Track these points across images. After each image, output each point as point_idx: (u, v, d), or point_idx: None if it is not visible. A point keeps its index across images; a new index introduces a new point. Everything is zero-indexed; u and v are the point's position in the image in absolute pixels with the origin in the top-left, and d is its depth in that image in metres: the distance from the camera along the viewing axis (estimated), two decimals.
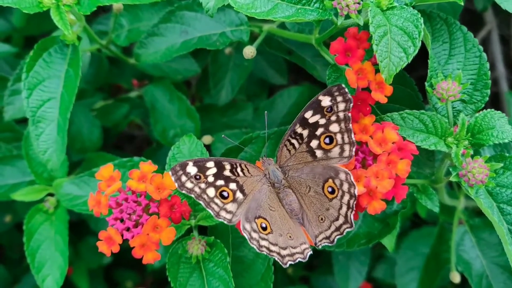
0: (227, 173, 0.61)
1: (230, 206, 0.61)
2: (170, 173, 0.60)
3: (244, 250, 0.73)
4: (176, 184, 0.60)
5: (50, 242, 0.82)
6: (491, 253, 0.88)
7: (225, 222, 0.61)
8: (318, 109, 0.61)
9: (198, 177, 0.60)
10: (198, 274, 0.68)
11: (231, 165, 0.62)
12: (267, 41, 0.89)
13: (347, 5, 0.59)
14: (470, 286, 0.88)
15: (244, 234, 0.60)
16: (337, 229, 0.61)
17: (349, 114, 0.60)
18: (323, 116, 0.61)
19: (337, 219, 0.61)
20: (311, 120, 0.61)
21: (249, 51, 0.75)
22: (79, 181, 0.80)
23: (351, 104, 0.60)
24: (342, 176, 0.60)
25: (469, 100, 0.67)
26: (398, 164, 0.60)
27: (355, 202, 0.60)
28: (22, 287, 1.14)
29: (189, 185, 0.60)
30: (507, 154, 0.65)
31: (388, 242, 0.74)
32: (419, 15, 0.57)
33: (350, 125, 0.60)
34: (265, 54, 1.04)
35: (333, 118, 0.60)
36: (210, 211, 0.60)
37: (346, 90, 0.60)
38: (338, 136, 0.61)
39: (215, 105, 1.03)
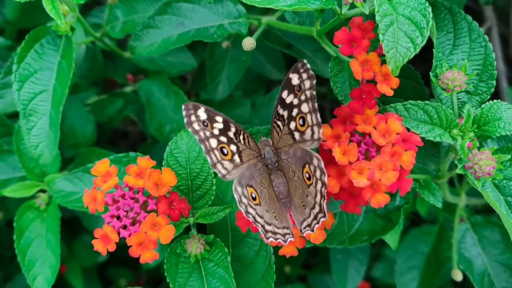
0: (231, 134, 0.61)
1: (227, 164, 0.61)
2: (182, 107, 0.59)
3: (244, 249, 0.71)
4: (185, 120, 0.59)
5: (41, 239, 0.79)
6: (493, 251, 0.87)
7: (219, 175, 0.61)
8: (291, 88, 0.59)
9: (206, 124, 0.60)
10: (198, 274, 0.66)
11: (236, 130, 0.61)
12: (265, 35, 0.87)
13: None
14: (471, 285, 0.86)
15: (235, 195, 0.60)
16: (315, 217, 0.59)
17: (314, 93, 0.58)
18: (295, 95, 0.59)
19: (314, 207, 0.59)
20: (287, 101, 0.60)
21: (249, 43, 0.73)
22: (73, 177, 0.78)
23: (315, 81, 0.58)
24: (315, 161, 0.58)
25: (474, 91, 0.66)
26: (403, 156, 0.58)
27: (326, 190, 0.57)
28: (15, 285, 1.11)
29: (196, 126, 0.60)
30: None
31: (392, 239, 0.72)
32: (427, 4, 0.56)
33: (316, 104, 0.58)
34: (263, 49, 1.03)
35: (303, 97, 0.59)
36: (208, 158, 0.60)
37: (309, 66, 0.57)
38: (308, 117, 0.59)
39: (211, 101, 1.01)
